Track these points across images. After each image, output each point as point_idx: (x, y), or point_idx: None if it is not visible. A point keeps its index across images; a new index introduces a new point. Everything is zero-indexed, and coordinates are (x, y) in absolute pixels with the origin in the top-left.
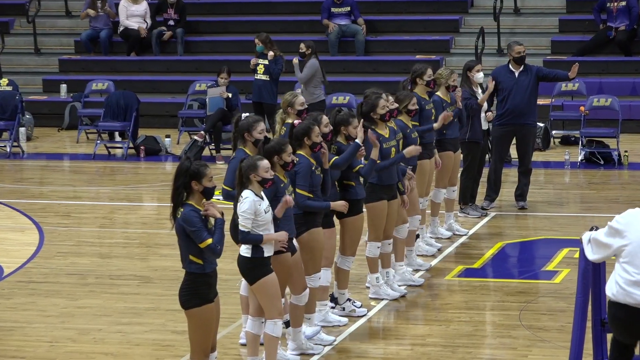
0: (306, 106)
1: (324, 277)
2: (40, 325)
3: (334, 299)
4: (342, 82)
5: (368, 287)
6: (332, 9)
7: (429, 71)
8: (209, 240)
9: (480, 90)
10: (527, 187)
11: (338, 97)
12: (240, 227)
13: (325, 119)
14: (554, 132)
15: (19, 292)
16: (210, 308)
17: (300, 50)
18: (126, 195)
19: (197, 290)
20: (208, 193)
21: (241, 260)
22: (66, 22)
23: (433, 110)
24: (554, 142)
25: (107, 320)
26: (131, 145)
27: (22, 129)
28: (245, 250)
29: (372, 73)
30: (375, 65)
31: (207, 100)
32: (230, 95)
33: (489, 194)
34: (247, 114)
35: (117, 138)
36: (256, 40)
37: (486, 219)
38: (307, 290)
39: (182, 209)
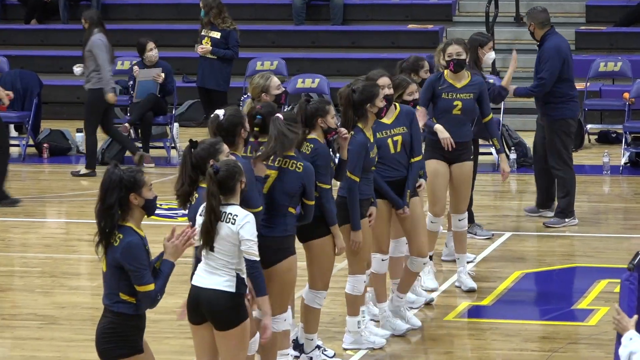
0: (284, 88)
1: (288, 317)
2: None
3: (298, 346)
4: (310, 60)
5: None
6: None
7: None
8: (150, 286)
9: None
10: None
11: (305, 80)
12: (252, 257)
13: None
14: (588, 126)
15: None
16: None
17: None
18: (24, 209)
19: (125, 337)
20: (150, 207)
21: (221, 296)
22: None
23: None
24: (589, 140)
25: None
26: (31, 142)
27: None
28: (227, 283)
29: (350, 48)
30: (355, 38)
31: (135, 84)
32: (163, 76)
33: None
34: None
35: (13, 133)
36: (201, 4)
37: (499, 241)
38: (257, 335)
39: (120, 235)
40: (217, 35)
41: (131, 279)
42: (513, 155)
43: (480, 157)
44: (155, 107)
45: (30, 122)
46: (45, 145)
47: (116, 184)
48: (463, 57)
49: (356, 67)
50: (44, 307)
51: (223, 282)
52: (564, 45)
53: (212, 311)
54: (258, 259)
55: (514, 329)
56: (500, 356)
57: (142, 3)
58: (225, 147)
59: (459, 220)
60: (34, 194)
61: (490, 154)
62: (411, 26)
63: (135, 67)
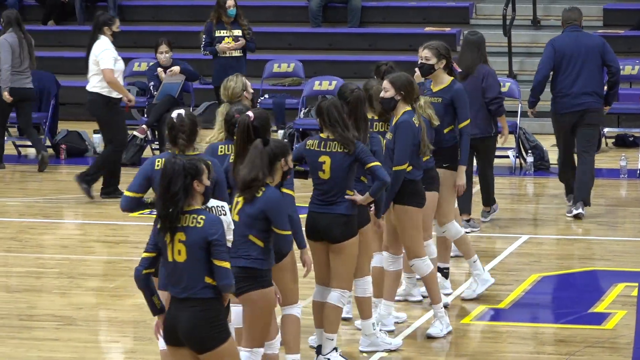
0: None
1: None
2: None
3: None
4: (327, 62)
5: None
6: None
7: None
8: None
9: None
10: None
11: (322, 82)
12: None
13: None
14: (606, 129)
15: None
16: (234, 344)
17: None
18: (41, 210)
19: (221, 320)
20: (208, 193)
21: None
22: None
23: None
24: (606, 144)
25: None
26: (48, 143)
27: None
28: None
29: (367, 50)
30: (372, 40)
31: (158, 85)
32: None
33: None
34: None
35: None
36: (231, 3)
37: (516, 244)
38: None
39: (202, 216)
40: (239, 32)
41: (215, 255)
42: (530, 159)
43: (497, 161)
44: (173, 108)
45: (47, 123)
46: (62, 146)
47: (180, 172)
48: (431, 62)
49: (373, 69)
50: (61, 308)
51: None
52: (564, 42)
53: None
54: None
55: (530, 332)
56: (516, 359)
57: (158, 5)
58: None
59: (443, 231)
60: (51, 195)
61: (507, 157)
62: (428, 29)
63: (160, 69)
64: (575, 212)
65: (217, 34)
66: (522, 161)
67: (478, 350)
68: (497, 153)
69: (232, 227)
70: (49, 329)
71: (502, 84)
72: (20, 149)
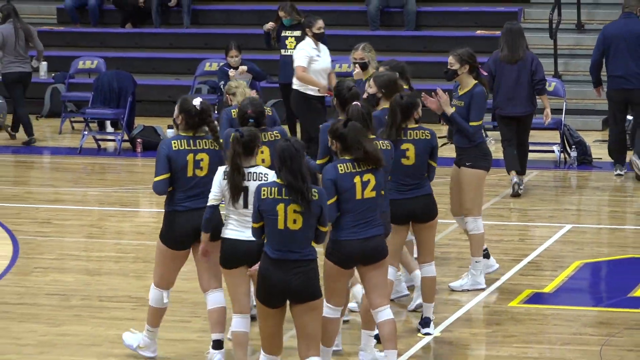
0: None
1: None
2: (14, 356)
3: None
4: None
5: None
6: None
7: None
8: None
9: None
10: None
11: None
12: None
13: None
14: None
15: None
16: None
17: None
18: (119, 199)
19: (318, 274)
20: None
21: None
22: None
23: None
24: None
25: (95, 351)
26: (126, 137)
27: None
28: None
29: (422, 52)
30: (426, 43)
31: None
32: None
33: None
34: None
35: (109, 129)
36: (282, 13)
37: (560, 232)
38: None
39: (315, 190)
40: (299, 33)
41: (323, 221)
42: (574, 153)
43: (541, 155)
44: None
45: (125, 119)
46: (138, 140)
47: (300, 152)
48: (454, 67)
49: (428, 70)
50: (138, 289)
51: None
52: (612, 28)
53: (253, 257)
54: None
55: (573, 314)
56: (560, 340)
57: (229, 9)
58: None
59: (465, 222)
60: (128, 186)
61: (552, 151)
62: (479, 32)
63: (232, 70)
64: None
65: (283, 33)
66: (567, 156)
67: (525, 331)
68: (543, 148)
69: None
70: (127, 309)
71: (548, 84)
72: (99, 142)
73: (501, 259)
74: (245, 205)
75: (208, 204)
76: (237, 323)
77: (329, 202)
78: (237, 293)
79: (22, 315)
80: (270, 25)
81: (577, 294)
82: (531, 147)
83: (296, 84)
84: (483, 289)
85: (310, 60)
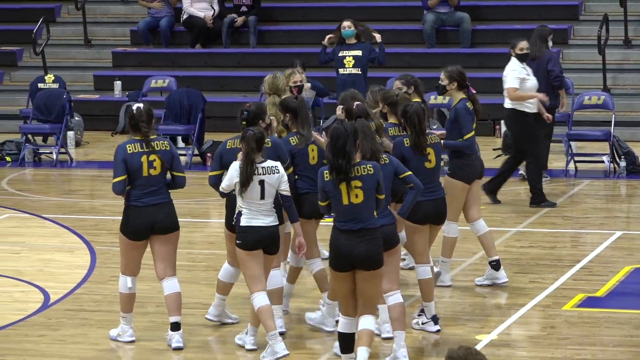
0: (299, 84)
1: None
2: None
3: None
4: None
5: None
6: None
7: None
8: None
9: None
10: None
11: (437, 97)
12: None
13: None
14: None
15: (68, 322)
16: None
17: None
18: (190, 210)
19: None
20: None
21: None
22: (120, 9)
23: None
24: None
25: (169, 356)
26: (196, 152)
27: (70, 133)
28: (275, 220)
29: (477, 68)
30: (481, 59)
31: None
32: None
33: None
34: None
35: (180, 144)
36: (347, 24)
37: (611, 239)
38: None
39: (369, 165)
40: (359, 53)
41: (381, 190)
42: (623, 163)
43: (592, 165)
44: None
45: (195, 134)
46: (208, 154)
47: (350, 134)
48: (443, 83)
49: (482, 85)
50: (209, 297)
51: (274, 219)
52: None
53: (267, 241)
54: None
55: (625, 317)
56: (612, 342)
57: (293, 29)
58: None
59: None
60: (198, 198)
61: (602, 162)
62: None
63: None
64: None
65: (341, 53)
66: (616, 165)
67: (578, 334)
68: (593, 159)
69: (285, 180)
70: (198, 316)
71: (598, 97)
72: None
73: (555, 264)
74: (262, 197)
75: (220, 190)
76: (259, 299)
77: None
78: (254, 274)
79: (100, 322)
80: (329, 38)
81: (628, 298)
82: (582, 158)
83: (510, 104)
84: (449, 286)
85: (522, 80)
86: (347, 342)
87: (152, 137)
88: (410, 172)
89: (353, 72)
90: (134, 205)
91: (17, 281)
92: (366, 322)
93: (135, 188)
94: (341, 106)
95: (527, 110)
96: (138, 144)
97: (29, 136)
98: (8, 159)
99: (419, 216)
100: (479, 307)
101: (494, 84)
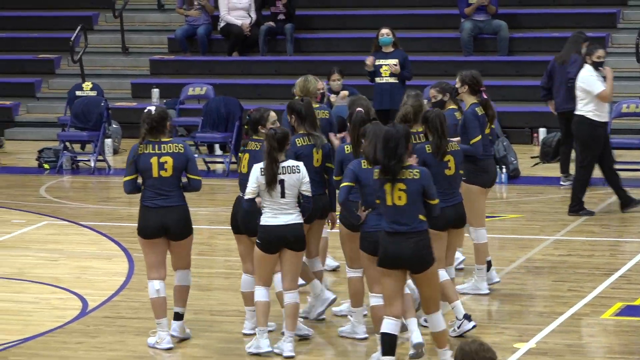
0: (323, 91)
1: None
2: None
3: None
4: None
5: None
6: (470, 0)
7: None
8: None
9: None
10: None
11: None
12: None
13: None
14: None
15: (106, 329)
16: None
17: None
18: (228, 218)
19: (431, 246)
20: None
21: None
22: (158, 17)
23: None
24: None
25: None
26: (234, 159)
27: (107, 141)
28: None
29: (514, 76)
30: (519, 67)
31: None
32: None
33: None
34: None
35: (218, 151)
36: (385, 32)
37: None
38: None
39: (416, 170)
40: (395, 61)
41: (431, 196)
42: None
43: (630, 173)
44: (341, 126)
45: (232, 142)
46: None
47: (403, 137)
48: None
49: (519, 93)
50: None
51: (297, 217)
52: None
53: (286, 240)
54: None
55: None
56: None
57: (330, 37)
58: None
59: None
60: None
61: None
62: None
63: (333, 95)
64: None
65: (376, 62)
66: None
67: (617, 342)
68: (630, 167)
69: (307, 180)
70: (237, 323)
71: (636, 105)
72: (208, 164)
73: (593, 273)
74: (283, 195)
75: (245, 197)
76: (259, 294)
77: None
78: (265, 271)
79: (138, 329)
80: (370, 61)
81: None
82: (619, 166)
83: (582, 110)
84: (486, 294)
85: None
86: (390, 343)
87: (165, 139)
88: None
89: (390, 80)
90: (146, 206)
91: (55, 288)
92: (436, 323)
93: (147, 189)
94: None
95: (597, 119)
96: (150, 145)
97: (67, 144)
98: (46, 166)
99: (440, 223)
100: (517, 315)
101: (531, 92)
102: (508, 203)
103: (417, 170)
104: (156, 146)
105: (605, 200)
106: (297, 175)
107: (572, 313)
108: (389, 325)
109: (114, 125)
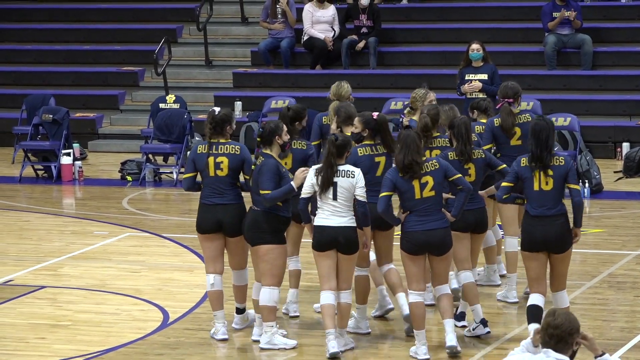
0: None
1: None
2: None
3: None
4: (561, 101)
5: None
6: (554, 14)
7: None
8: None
9: None
10: None
11: (558, 119)
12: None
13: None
14: None
15: (186, 341)
16: None
17: None
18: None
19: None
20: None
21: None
22: (242, 30)
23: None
24: None
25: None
26: None
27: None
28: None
29: (598, 90)
30: (602, 82)
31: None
32: None
33: None
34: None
35: None
36: (476, 47)
37: None
38: None
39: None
40: (484, 76)
41: (570, 180)
42: None
43: None
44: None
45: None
46: None
47: (552, 128)
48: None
49: (603, 108)
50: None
51: (349, 220)
52: None
53: (338, 240)
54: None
55: None
56: None
57: (413, 51)
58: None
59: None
60: None
61: None
62: None
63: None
64: None
65: (466, 76)
66: None
67: None
68: None
69: (361, 185)
70: (318, 337)
71: None
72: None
73: None
74: (335, 198)
75: (301, 197)
76: (324, 297)
77: None
78: (323, 272)
79: (218, 342)
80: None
81: None
82: None
83: None
84: (515, 302)
85: None
86: (536, 313)
87: (223, 140)
88: (459, 175)
89: (479, 95)
90: (203, 203)
91: (136, 300)
92: (562, 300)
93: (205, 187)
94: (359, 119)
95: None
96: (207, 145)
97: (150, 156)
98: (129, 178)
99: (460, 224)
100: (599, 330)
101: (615, 106)
102: (590, 218)
103: (562, 158)
104: (213, 147)
105: None
106: (351, 179)
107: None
108: (536, 299)
109: (196, 138)
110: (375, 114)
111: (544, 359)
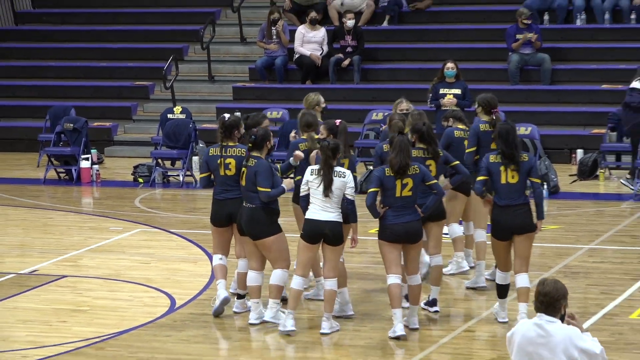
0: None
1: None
2: (212, 358)
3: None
4: (524, 113)
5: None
6: (517, 35)
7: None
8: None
9: None
10: None
11: (519, 128)
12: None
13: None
14: None
15: (191, 324)
16: None
17: None
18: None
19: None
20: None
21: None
22: (241, 49)
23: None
24: None
25: (280, 355)
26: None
27: (195, 158)
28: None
29: (556, 103)
30: (560, 95)
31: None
32: None
33: None
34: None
35: None
36: (450, 65)
37: None
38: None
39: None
40: (458, 91)
41: (532, 175)
42: None
43: None
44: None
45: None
46: None
47: (513, 128)
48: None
49: (561, 118)
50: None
51: (337, 216)
52: None
53: (326, 234)
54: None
55: None
56: None
57: (394, 67)
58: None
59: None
60: None
61: None
62: (605, 86)
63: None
64: None
65: (441, 91)
66: None
67: None
68: None
69: (351, 185)
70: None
71: None
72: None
73: (623, 278)
74: (326, 195)
75: (301, 195)
76: (295, 282)
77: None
78: (303, 261)
79: (220, 324)
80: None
81: None
82: None
83: None
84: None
85: None
86: (503, 290)
87: (231, 144)
88: (435, 181)
89: (453, 109)
90: (216, 199)
91: (147, 288)
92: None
93: (217, 185)
94: (324, 126)
95: None
96: (218, 148)
97: (159, 160)
98: (140, 180)
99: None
100: None
101: (571, 118)
102: (548, 215)
103: (526, 155)
104: (222, 149)
105: (634, 213)
106: (343, 179)
107: (604, 313)
108: (501, 277)
109: (200, 145)
110: (337, 122)
111: (538, 322)
